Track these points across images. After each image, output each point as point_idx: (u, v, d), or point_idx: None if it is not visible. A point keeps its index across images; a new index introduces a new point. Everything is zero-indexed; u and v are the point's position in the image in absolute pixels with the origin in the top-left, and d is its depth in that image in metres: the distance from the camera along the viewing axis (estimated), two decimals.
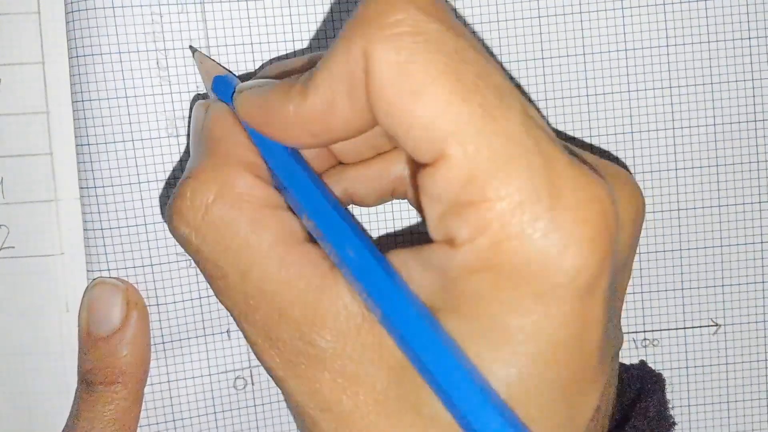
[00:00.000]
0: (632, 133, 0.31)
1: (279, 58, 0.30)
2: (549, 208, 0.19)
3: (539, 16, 0.30)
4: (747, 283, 0.32)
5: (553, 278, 0.19)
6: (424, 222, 0.21)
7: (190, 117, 0.30)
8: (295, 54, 0.30)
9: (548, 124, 0.31)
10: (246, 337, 0.23)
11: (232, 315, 0.23)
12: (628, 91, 0.31)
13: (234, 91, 0.25)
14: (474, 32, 0.30)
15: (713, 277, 0.32)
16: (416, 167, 0.21)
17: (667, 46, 0.30)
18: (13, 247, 0.31)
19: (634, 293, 0.32)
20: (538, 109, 0.28)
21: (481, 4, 0.30)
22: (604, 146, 0.31)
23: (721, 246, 0.32)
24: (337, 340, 0.21)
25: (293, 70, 0.26)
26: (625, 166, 0.31)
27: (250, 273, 0.22)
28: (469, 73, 0.20)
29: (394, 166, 0.26)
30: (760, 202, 0.32)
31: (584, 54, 0.30)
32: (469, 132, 0.19)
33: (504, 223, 0.19)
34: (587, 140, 0.31)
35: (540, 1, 0.30)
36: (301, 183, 0.23)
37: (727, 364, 0.32)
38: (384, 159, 0.26)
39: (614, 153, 0.31)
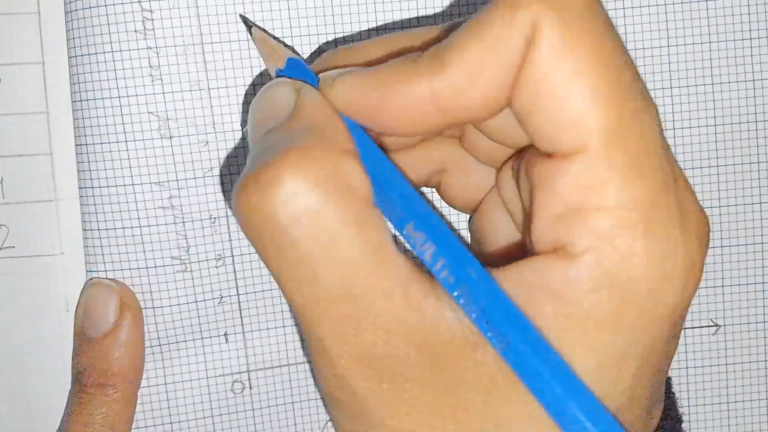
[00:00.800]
0: None
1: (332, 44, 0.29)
2: (678, 226, 0.19)
3: None
4: (747, 284, 0.32)
5: (661, 304, 0.19)
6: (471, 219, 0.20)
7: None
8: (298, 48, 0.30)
9: None
10: (313, 338, 0.20)
11: (296, 309, 0.20)
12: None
13: (316, 79, 0.23)
14: None
15: (713, 277, 0.32)
16: (530, 160, 0.20)
17: (668, 46, 0.30)
18: (13, 247, 0.31)
19: None
20: None
21: (473, 8, 0.30)
22: None
23: (721, 246, 0.32)
24: (434, 362, 0.19)
25: (368, 57, 0.23)
26: None
27: (344, 274, 0.19)
28: (627, 71, 0.19)
29: (437, 154, 0.25)
30: (760, 203, 0.32)
31: None
32: (617, 133, 0.18)
33: (635, 236, 0.18)
34: None
35: None
36: (406, 190, 0.21)
37: (727, 364, 0.32)
38: (427, 146, 0.25)
39: None
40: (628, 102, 0.19)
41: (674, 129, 0.31)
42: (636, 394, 0.20)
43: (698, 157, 0.31)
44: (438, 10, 0.30)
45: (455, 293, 0.20)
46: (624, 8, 0.30)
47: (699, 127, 0.31)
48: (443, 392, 0.19)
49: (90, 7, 0.29)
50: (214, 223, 0.30)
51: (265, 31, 0.26)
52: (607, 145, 0.18)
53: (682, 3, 0.30)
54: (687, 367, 0.32)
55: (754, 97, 0.31)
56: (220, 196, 0.30)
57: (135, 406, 0.30)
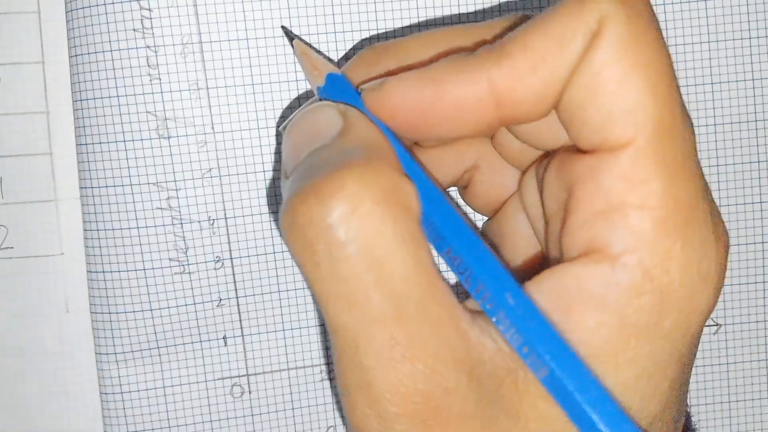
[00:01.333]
0: None
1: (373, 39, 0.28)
2: (712, 232, 0.19)
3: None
4: (747, 283, 0.32)
5: (697, 310, 0.19)
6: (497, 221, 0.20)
7: (278, 126, 0.29)
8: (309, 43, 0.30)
9: None
10: (356, 368, 0.19)
11: (341, 332, 0.19)
12: None
13: (356, 90, 0.22)
14: None
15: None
16: (567, 159, 0.20)
17: (668, 46, 0.30)
18: (13, 248, 0.31)
19: None
20: None
21: (485, 2, 0.30)
22: None
23: None
24: (481, 393, 0.19)
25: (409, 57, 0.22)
26: None
27: (398, 296, 0.18)
28: (672, 71, 0.19)
29: (471, 151, 0.25)
30: (761, 202, 0.31)
31: None
32: (667, 129, 0.18)
33: (674, 239, 0.18)
34: None
35: (542, 3, 0.30)
36: (448, 211, 0.21)
37: (728, 363, 0.32)
38: (461, 143, 0.25)
39: None
40: (677, 102, 0.19)
41: None
42: (669, 404, 0.20)
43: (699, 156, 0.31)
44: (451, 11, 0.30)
45: (494, 319, 0.19)
46: None
47: (699, 126, 0.31)
48: (488, 425, 0.18)
49: (90, 6, 0.29)
50: (212, 225, 0.30)
51: (307, 43, 0.25)
52: (656, 140, 0.18)
53: (681, 3, 0.30)
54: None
55: (755, 97, 0.31)
56: (219, 197, 0.30)
57: None
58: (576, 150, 0.20)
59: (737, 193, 0.31)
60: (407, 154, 0.21)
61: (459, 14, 0.30)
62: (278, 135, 0.30)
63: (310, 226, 0.18)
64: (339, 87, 0.23)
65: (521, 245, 0.24)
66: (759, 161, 0.31)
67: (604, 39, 0.18)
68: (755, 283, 0.32)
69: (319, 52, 0.25)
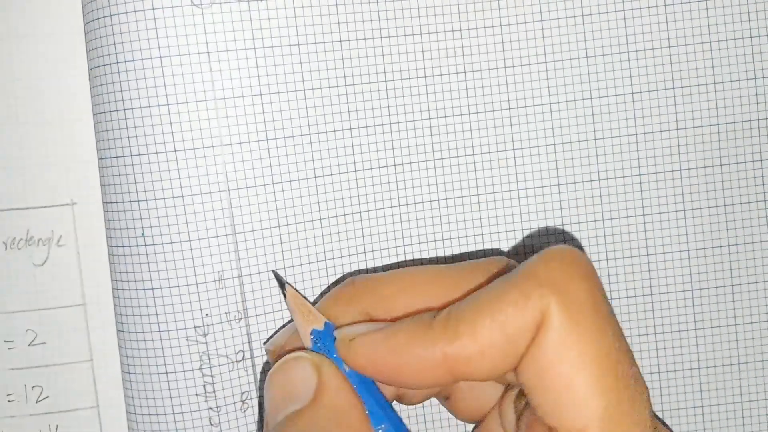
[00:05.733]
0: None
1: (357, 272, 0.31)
2: None
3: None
4: (756, 282, 0.32)
5: None
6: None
7: (262, 376, 0.30)
8: None
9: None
10: None
11: None
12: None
13: (334, 338, 0.25)
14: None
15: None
16: (534, 421, 0.23)
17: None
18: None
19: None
20: None
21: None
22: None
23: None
24: None
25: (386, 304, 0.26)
26: None
27: None
28: (624, 360, 0.22)
29: None
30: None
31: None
32: (613, 421, 0.21)
33: None
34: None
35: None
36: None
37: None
38: None
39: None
40: (624, 391, 0.21)
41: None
42: None
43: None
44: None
45: None
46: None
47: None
48: None
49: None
50: (239, 360, 0.30)
51: (300, 293, 0.28)
52: (606, 427, 0.21)
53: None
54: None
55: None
56: (246, 341, 0.30)
57: None
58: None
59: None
60: (381, 405, 0.25)
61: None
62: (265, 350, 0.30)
63: None
64: (322, 337, 0.26)
65: None
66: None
67: (546, 335, 0.21)
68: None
69: (308, 300, 0.28)
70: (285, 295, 0.28)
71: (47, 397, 0.30)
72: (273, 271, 0.29)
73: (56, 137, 0.30)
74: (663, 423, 0.27)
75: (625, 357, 0.22)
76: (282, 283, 0.29)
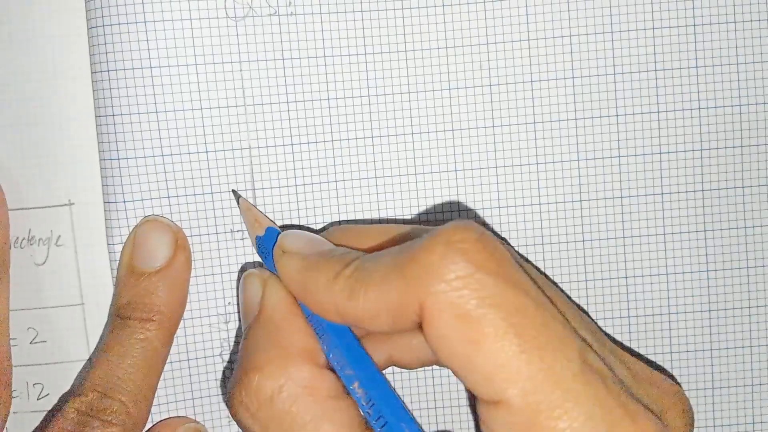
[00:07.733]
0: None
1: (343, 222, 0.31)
2: None
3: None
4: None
5: None
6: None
7: (238, 287, 0.30)
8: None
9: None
10: None
11: None
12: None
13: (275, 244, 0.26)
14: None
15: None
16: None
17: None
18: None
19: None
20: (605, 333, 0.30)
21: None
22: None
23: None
24: None
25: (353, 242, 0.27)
26: (675, 381, 0.32)
27: None
28: (528, 327, 0.21)
29: (384, 349, 0.27)
30: None
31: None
32: (528, 383, 0.21)
33: None
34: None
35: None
36: (365, 368, 0.25)
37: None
38: (375, 342, 0.27)
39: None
40: (533, 351, 0.21)
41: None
42: None
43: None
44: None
45: None
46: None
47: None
48: None
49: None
50: None
51: (253, 205, 0.29)
52: (522, 395, 0.21)
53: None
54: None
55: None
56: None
57: (170, 348, 0.30)
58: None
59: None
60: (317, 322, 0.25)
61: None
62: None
63: (236, 418, 0.25)
64: (268, 245, 0.27)
65: None
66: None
67: (431, 326, 0.22)
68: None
69: (260, 212, 0.29)
70: (239, 206, 0.29)
71: (48, 394, 0.30)
72: (233, 190, 0.30)
73: (56, 137, 0.30)
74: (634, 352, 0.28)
75: (534, 316, 0.21)
76: (237, 197, 0.29)
